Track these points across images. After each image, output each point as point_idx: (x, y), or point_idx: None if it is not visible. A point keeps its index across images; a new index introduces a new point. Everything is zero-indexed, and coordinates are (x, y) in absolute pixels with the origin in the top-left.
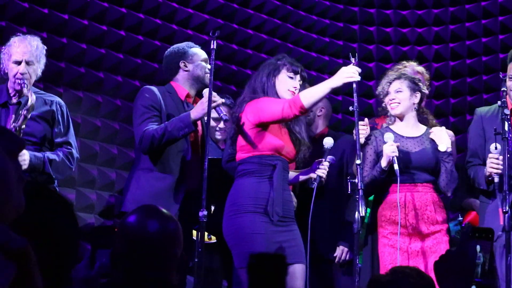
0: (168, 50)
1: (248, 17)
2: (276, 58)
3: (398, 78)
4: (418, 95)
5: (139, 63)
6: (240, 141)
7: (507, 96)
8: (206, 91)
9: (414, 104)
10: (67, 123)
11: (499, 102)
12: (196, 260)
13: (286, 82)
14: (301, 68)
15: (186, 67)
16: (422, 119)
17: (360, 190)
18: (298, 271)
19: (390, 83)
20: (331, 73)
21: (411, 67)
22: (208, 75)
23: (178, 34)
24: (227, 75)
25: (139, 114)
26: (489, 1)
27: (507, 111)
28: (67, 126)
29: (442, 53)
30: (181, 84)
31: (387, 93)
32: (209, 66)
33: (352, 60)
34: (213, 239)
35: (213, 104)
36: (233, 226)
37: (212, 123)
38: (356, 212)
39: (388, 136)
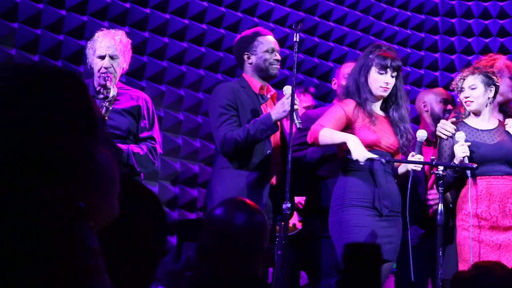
0: (237, 38)
1: (330, 10)
2: (368, 51)
3: (472, 73)
4: (493, 89)
5: (221, 57)
6: None
7: None
8: (286, 89)
9: (489, 98)
10: (152, 118)
11: None
12: (279, 252)
13: (377, 80)
14: (391, 60)
15: (250, 59)
16: (502, 111)
17: (441, 183)
18: (384, 268)
19: (464, 79)
20: (413, 65)
21: (502, 60)
22: (274, 66)
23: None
24: (309, 68)
25: (217, 116)
26: None
27: None
28: (152, 122)
29: None
30: (252, 76)
31: (461, 89)
32: (276, 57)
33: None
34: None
35: (295, 107)
36: (337, 220)
37: None
38: (440, 204)
39: (459, 136)
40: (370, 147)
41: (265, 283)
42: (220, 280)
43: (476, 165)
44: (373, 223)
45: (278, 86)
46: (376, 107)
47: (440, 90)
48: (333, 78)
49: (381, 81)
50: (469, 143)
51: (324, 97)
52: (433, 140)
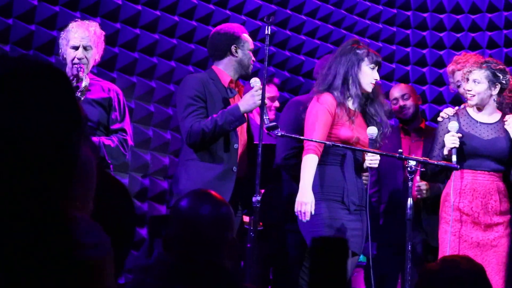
0: (218, 29)
1: (302, 3)
2: (353, 46)
3: (480, 68)
4: (498, 86)
5: (193, 49)
6: None
7: None
8: (254, 81)
9: (492, 95)
10: (123, 110)
11: None
12: (248, 245)
13: (368, 75)
14: (378, 57)
15: (237, 52)
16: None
17: (410, 174)
18: (351, 262)
19: (471, 71)
20: (384, 59)
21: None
22: (251, 66)
23: (232, 20)
24: (280, 61)
25: (184, 106)
26: None
27: None
28: (123, 114)
29: None
30: (225, 70)
31: (467, 80)
32: (253, 58)
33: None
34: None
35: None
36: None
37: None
38: (409, 198)
39: (452, 126)
40: (346, 143)
41: (230, 274)
42: (185, 271)
43: (458, 166)
44: (343, 216)
45: (249, 79)
46: (355, 103)
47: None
48: None
49: (371, 77)
50: (460, 135)
51: (295, 90)
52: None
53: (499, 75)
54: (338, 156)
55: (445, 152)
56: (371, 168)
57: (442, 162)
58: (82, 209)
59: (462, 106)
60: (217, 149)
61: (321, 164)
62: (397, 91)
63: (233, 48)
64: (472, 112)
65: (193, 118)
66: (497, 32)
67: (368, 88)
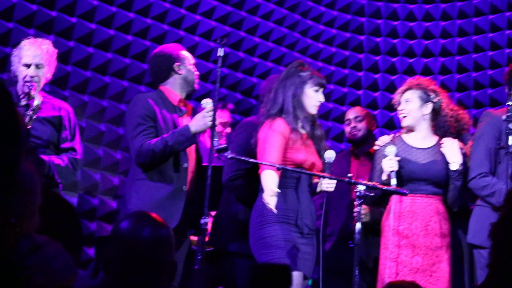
0: (155, 53)
1: (256, 25)
2: (297, 69)
3: (410, 88)
4: (430, 105)
5: (146, 69)
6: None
7: None
8: (205, 103)
9: (424, 115)
10: (74, 129)
11: (503, 116)
12: (196, 267)
13: (312, 98)
14: (323, 79)
15: (180, 70)
16: (441, 131)
17: (359, 199)
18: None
19: (402, 93)
20: (337, 82)
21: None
22: (196, 80)
23: (185, 41)
24: (233, 83)
25: (134, 126)
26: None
27: (511, 126)
28: (74, 133)
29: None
30: (172, 89)
31: (399, 103)
32: (197, 72)
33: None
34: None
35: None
36: (261, 236)
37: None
38: (357, 223)
39: (389, 150)
40: (299, 166)
41: None
42: None
43: (408, 191)
44: (296, 239)
45: (200, 98)
46: (304, 126)
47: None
48: None
49: (315, 99)
50: (399, 158)
51: (247, 112)
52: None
53: (430, 94)
54: (293, 179)
55: (384, 177)
56: (327, 192)
57: (392, 188)
58: (23, 225)
59: (397, 134)
60: (167, 169)
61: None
62: (352, 112)
63: (175, 66)
64: (407, 138)
65: (142, 137)
66: (449, 58)
67: (313, 110)
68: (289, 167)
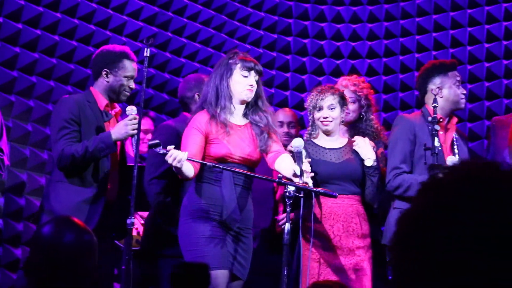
0: (103, 48)
1: (183, 26)
2: (227, 56)
3: (332, 94)
4: (345, 109)
5: (73, 69)
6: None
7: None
8: (130, 110)
9: (341, 118)
10: (1, 129)
11: (429, 118)
12: (123, 267)
13: (241, 83)
14: (254, 64)
15: (108, 77)
16: (356, 132)
17: (288, 200)
18: (235, 286)
19: (323, 98)
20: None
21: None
22: (126, 92)
23: (112, 41)
24: (159, 83)
25: (57, 129)
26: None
27: (437, 127)
28: (0, 133)
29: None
30: (100, 92)
31: (319, 108)
32: (131, 85)
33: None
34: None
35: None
36: (187, 232)
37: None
38: (287, 224)
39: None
40: (222, 160)
41: None
42: None
43: (337, 193)
44: (224, 235)
45: (127, 100)
46: (236, 116)
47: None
48: (197, 93)
49: (245, 84)
50: (309, 159)
51: (174, 113)
52: None
53: (345, 98)
54: (215, 173)
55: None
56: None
57: (321, 189)
58: None
59: (305, 137)
60: (87, 173)
61: (198, 182)
62: (285, 116)
63: (104, 72)
64: (318, 140)
65: (65, 141)
66: (377, 59)
67: (244, 95)
68: (211, 162)
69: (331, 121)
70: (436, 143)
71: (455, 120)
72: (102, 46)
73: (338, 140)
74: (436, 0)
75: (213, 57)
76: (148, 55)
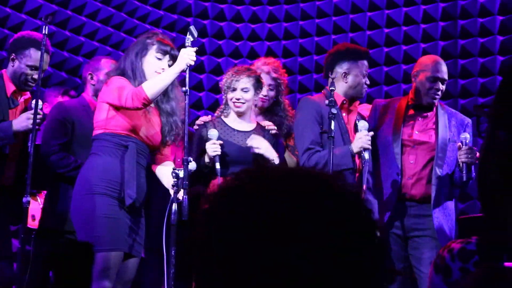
0: (20, 33)
1: (83, 4)
2: (146, 36)
3: (248, 76)
4: (259, 92)
5: None
6: (96, 116)
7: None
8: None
9: (255, 101)
10: None
11: (326, 101)
12: (19, 246)
13: (153, 64)
14: (171, 48)
15: (13, 62)
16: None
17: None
18: (131, 264)
19: (238, 80)
20: None
21: (265, 62)
22: (29, 82)
23: (12, 18)
24: (58, 61)
25: None
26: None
27: (334, 111)
28: None
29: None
30: (9, 77)
31: (233, 89)
32: (35, 76)
33: (190, 39)
34: None
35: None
36: (82, 208)
37: None
38: (174, 204)
39: (212, 133)
40: (126, 134)
41: None
42: None
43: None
44: (119, 214)
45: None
46: None
47: None
48: (89, 73)
49: (156, 66)
50: (221, 142)
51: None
52: None
53: (261, 82)
54: (121, 147)
55: (207, 160)
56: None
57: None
58: None
59: (216, 114)
60: None
61: (104, 153)
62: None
63: (12, 56)
64: (228, 120)
65: None
66: (281, 41)
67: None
68: (118, 132)
69: (244, 103)
70: (333, 127)
71: (357, 102)
72: (3, 27)
73: (248, 124)
74: None
75: (113, 36)
76: (46, 33)
